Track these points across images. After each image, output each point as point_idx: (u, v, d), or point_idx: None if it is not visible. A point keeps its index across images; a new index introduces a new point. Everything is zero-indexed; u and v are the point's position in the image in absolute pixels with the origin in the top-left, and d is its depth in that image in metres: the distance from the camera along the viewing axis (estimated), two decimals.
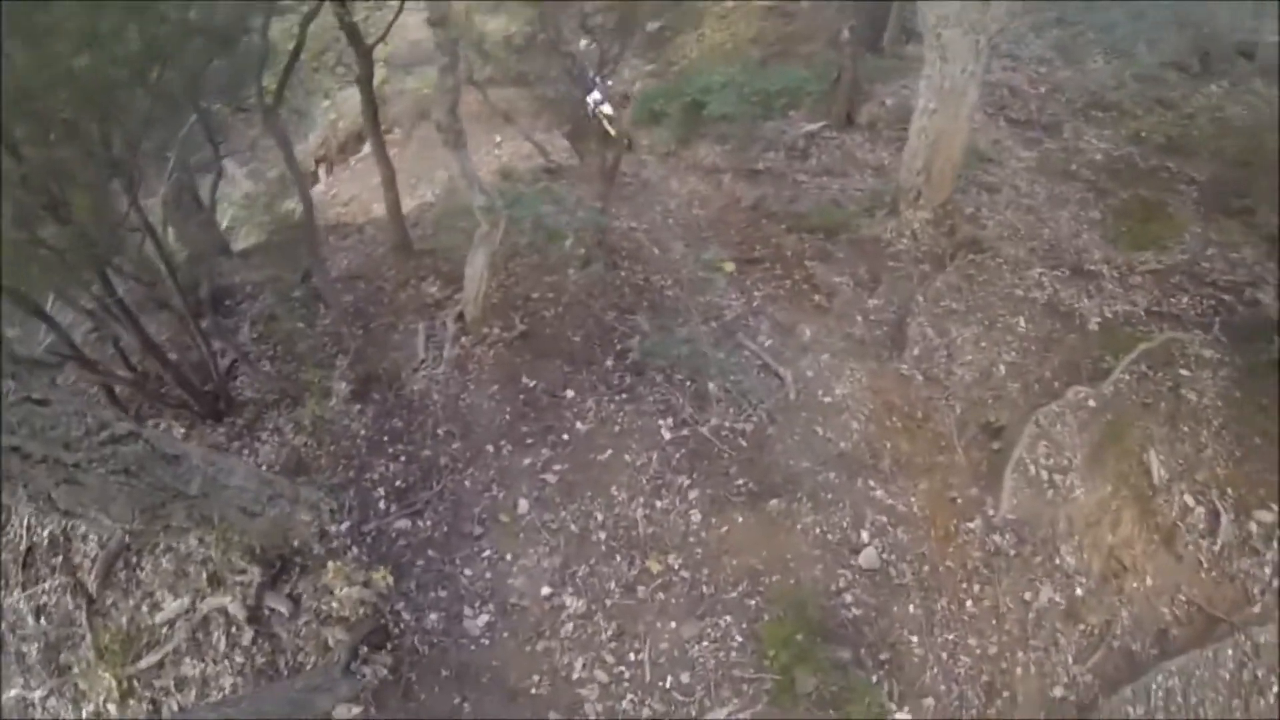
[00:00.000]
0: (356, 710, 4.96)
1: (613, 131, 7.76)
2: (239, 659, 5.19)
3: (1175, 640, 5.13)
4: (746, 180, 7.97)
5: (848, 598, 5.01)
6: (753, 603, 4.98)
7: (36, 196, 4.92)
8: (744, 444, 5.62)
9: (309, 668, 5.27)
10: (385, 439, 6.02)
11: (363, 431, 6.05)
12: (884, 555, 5.18)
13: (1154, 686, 4.91)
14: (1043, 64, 9.63)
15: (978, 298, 6.58)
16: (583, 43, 7.97)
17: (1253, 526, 5.44)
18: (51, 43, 4.45)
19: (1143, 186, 7.57)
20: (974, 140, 7.67)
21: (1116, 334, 6.30)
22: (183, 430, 6.04)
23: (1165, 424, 5.78)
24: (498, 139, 9.36)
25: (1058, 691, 4.92)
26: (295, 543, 5.34)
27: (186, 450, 5.24)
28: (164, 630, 5.67)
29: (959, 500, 5.50)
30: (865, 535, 5.24)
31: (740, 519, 5.29)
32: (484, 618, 5.11)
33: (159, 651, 5.55)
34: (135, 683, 5.29)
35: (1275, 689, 4.93)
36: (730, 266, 6.90)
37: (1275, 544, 5.36)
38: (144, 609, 5.54)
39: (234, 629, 5.32)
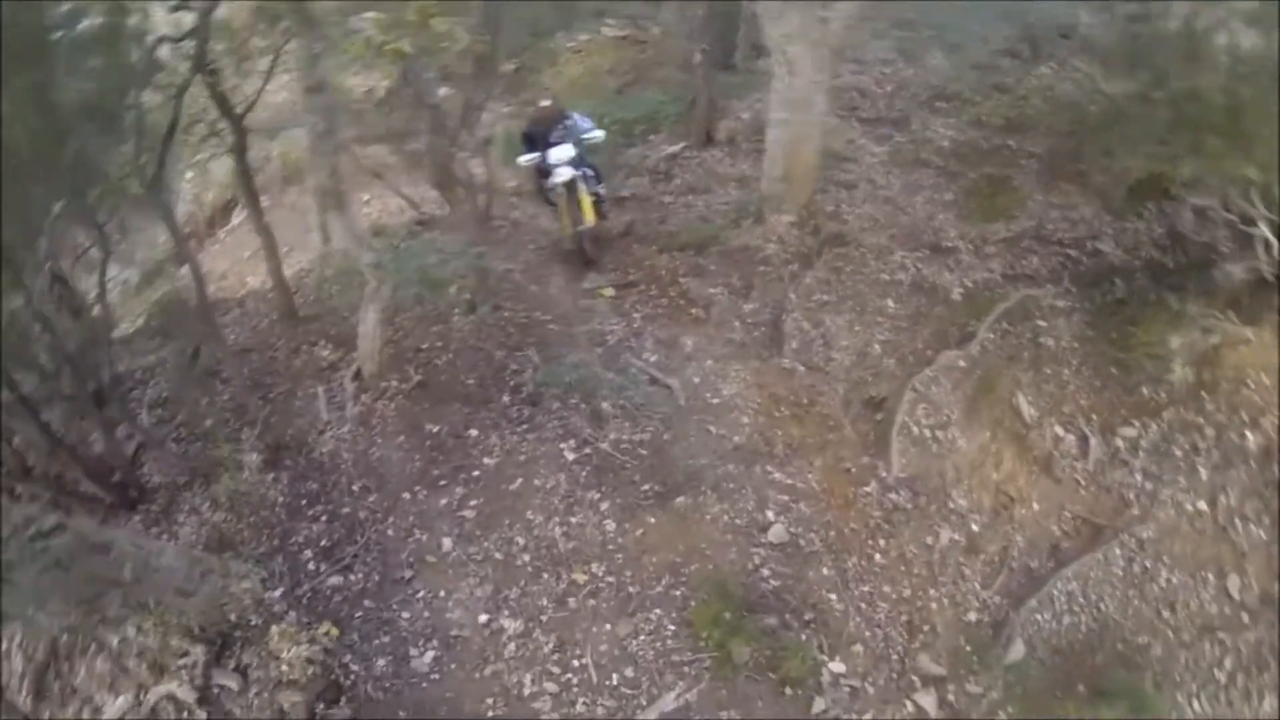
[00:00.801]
0: None
1: (588, 218, 8.20)
2: None
3: (1067, 551, 6.06)
4: (614, 207, 8.74)
5: (764, 572, 5.71)
6: (678, 593, 5.64)
7: None
8: (644, 452, 6.32)
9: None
10: (303, 503, 6.51)
11: (280, 499, 6.53)
12: (791, 529, 5.91)
13: (1055, 593, 5.80)
14: (887, 65, 10.76)
15: (847, 287, 7.45)
16: (442, 91, 8.63)
17: (1119, 443, 6.44)
18: None
19: (988, 165, 8.63)
20: (828, 143, 8.63)
21: (978, 300, 7.25)
22: (98, 524, 6.34)
23: (1030, 370, 6.74)
24: (366, 197, 9.90)
25: (971, 616, 5.75)
26: (233, 616, 5.68)
27: (114, 536, 5.58)
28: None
29: (853, 470, 6.30)
30: (770, 514, 5.98)
31: (652, 520, 5.97)
32: (430, 654, 5.61)
33: None
34: None
35: (1164, 577, 5.89)
36: (609, 291, 7.61)
37: (1140, 452, 6.34)
38: (85, 715, 5.83)
39: (185, 714, 5.61)
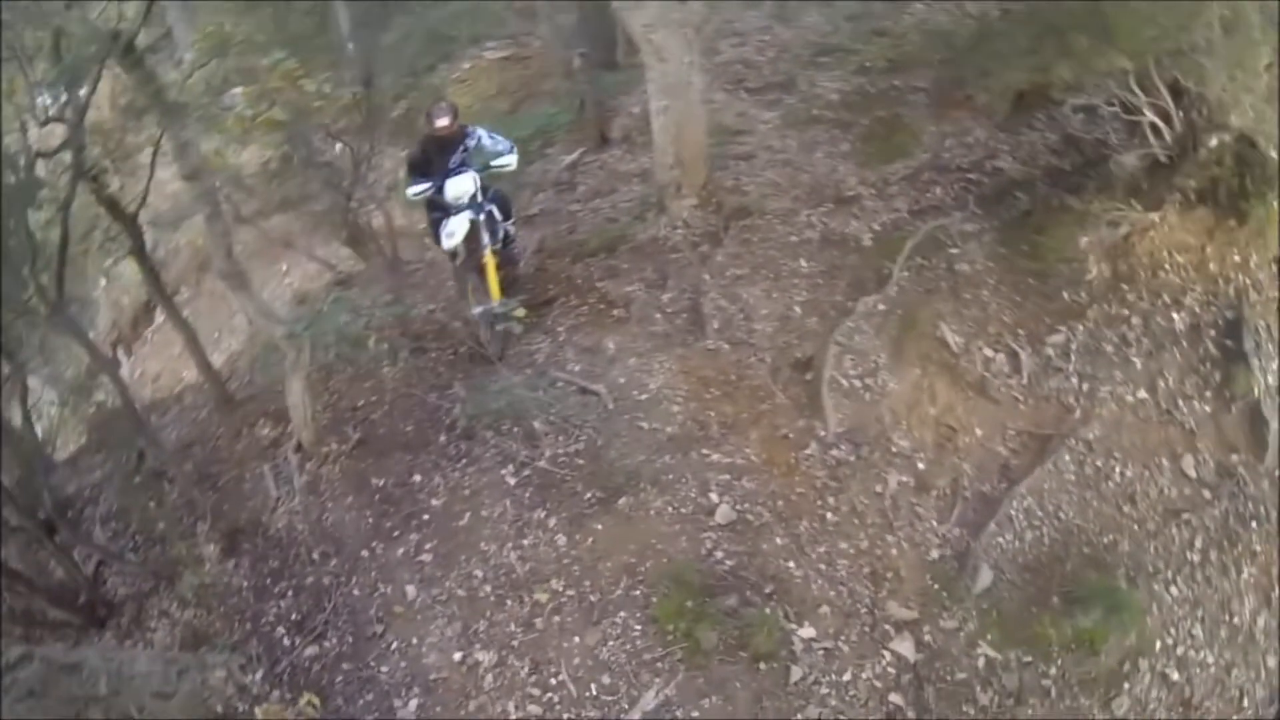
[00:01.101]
0: None
1: (494, 294, 7.28)
2: None
3: (1017, 469, 6.12)
4: (524, 227, 8.71)
5: (718, 554, 5.73)
6: (638, 592, 5.66)
7: None
8: (581, 462, 6.32)
9: None
10: (268, 581, 6.53)
11: (245, 584, 6.54)
12: (737, 507, 5.93)
13: (1013, 513, 5.87)
14: (765, 32, 10.73)
15: (758, 257, 7.46)
16: (337, 148, 8.26)
17: (1049, 352, 6.49)
18: None
19: (878, 109, 8.65)
20: (719, 118, 8.68)
21: (889, 242, 7.28)
22: (70, 647, 6.34)
23: (949, 299, 6.78)
24: (284, 267, 9.89)
25: (934, 554, 5.79)
26: (219, 708, 5.64)
27: (84, 655, 5.57)
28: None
29: (790, 435, 6.32)
30: (714, 497, 5.99)
31: (599, 526, 5.97)
32: (414, 702, 5.63)
33: None
34: None
35: (1118, 472, 5.94)
36: (521, 312, 7.43)
37: (1071, 356, 6.38)
38: None
39: None
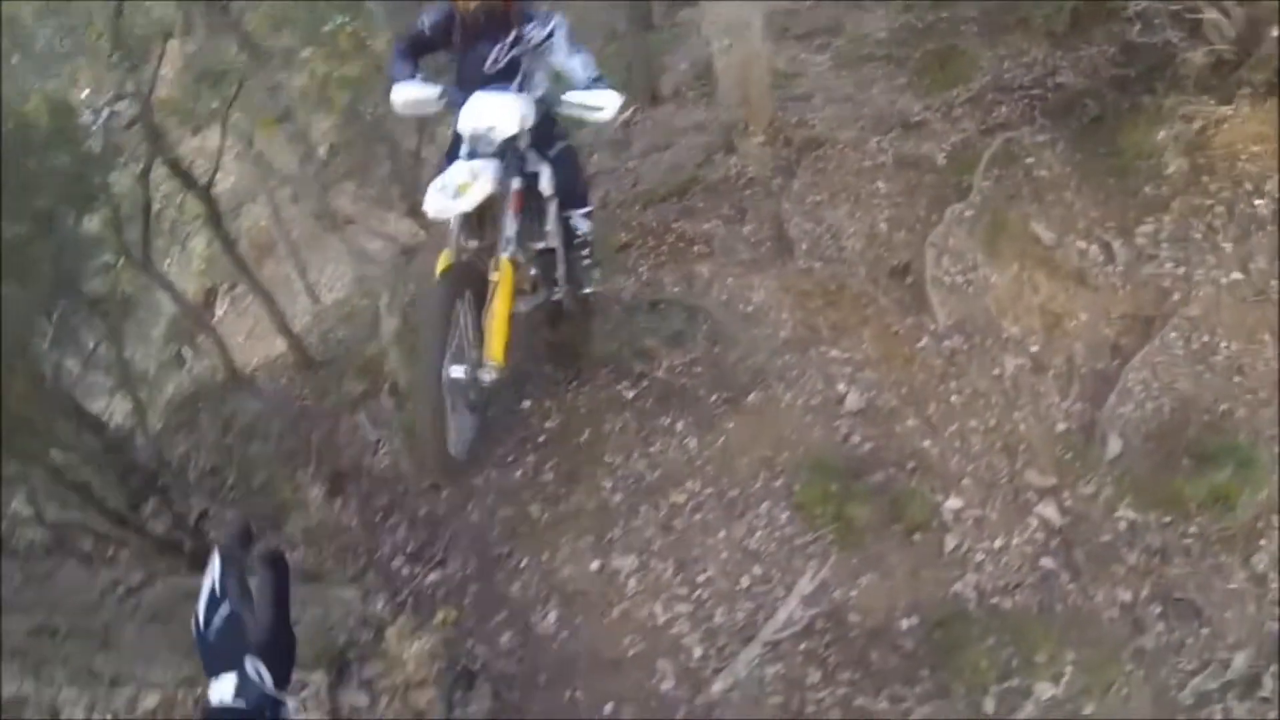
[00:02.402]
0: None
1: (494, 354, 4.88)
2: None
3: (1127, 347, 6.13)
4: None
5: (854, 439, 5.72)
6: (778, 483, 5.62)
7: None
8: (700, 370, 6.29)
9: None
10: (378, 518, 6.42)
11: (354, 521, 6.42)
12: (865, 394, 5.92)
13: (1129, 384, 5.86)
14: None
15: (835, 183, 7.53)
16: None
17: (1140, 241, 6.54)
18: None
19: (929, 43, 8.78)
20: (772, 64, 8.71)
21: (962, 159, 7.36)
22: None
23: (1034, 202, 6.85)
24: (341, 250, 9.82)
25: (1060, 427, 5.79)
26: (341, 639, 5.57)
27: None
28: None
29: (901, 332, 6.35)
30: (841, 387, 5.99)
31: (730, 425, 5.93)
32: (552, 614, 5.51)
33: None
34: None
35: (1223, 347, 5.94)
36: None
37: (1162, 244, 6.45)
38: None
39: None
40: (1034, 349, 6.12)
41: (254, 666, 1.80)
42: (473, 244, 4.90)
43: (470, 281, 4.86)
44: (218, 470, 7.18)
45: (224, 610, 1.87)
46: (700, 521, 5.59)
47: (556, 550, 5.72)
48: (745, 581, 5.30)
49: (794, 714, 4.86)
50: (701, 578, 5.39)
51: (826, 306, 6.58)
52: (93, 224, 6.66)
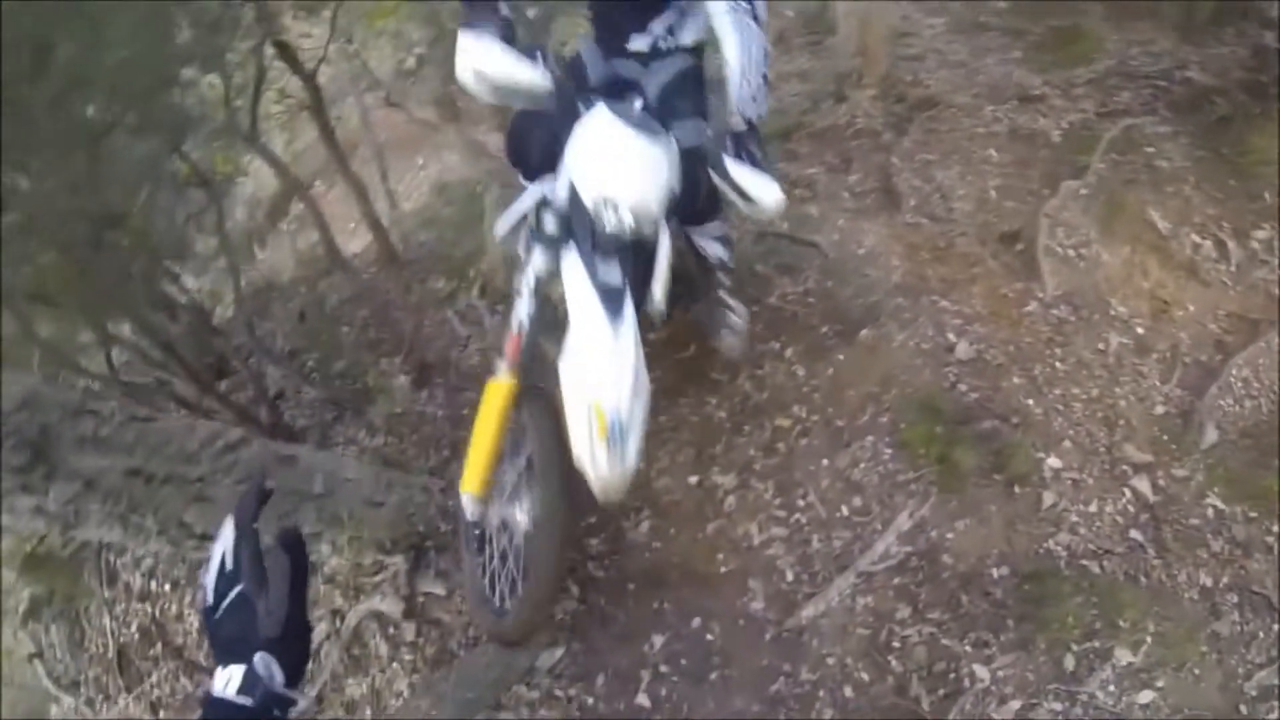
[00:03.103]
0: (560, 651, 5.40)
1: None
2: (408, 658, 5.62)
3: (1231, 344, 6.36)
4: None
5: (962, 387, 5.95)
6: (885, 419, 5.84)
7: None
8: (813, 301, 6.52)
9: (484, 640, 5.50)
10: (464, 412, 6.60)
11: (440, 413, 6.69)
12: (974, 347, 6.15)
13: (1231, 380, 6.12)
14: None
15: (947, 144, 7.76)
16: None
17: (1254, 245, 6.78)
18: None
19: (1051, 19, 8.92)
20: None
21: (1079, 138, 7.55)
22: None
23: (1151, 190, 7.07)
24: (420, 161, 10.04)
25: (1159, 409, 6.04)
26: (421, 526, 5.79)
27: (299, 450, 5.67)
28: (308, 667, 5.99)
29: (1010, 295, 6.57)
30: (952, 336, 6.21)
31: (840, 357, 6.18)
32: (645, 524, 5.77)
33: (314, 687, 5.89)
34: None
35: None
36: None
37: (1276, 252, 6.73)
38: None
39: (392, 629, 5.73)
40: (1140, 331, 6.37)
41: (265, 663, 1.72)
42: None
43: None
44: (299, 352, 7.41)
45: (237, 590, 1.79)
46: (805, 447, 5.84)
47: (654, 460, 5.95)
48: (844, 511, 5.56)
49: (880, 646, 5.13)
50: (801, 503, 5.65)
51: (935, 261, 6.82)
52: (202, 92, 6.83)
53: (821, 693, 5.08)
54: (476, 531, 4.46)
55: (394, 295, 7.68)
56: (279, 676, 1.70)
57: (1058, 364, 6.20)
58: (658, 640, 5.40)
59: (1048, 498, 5.55)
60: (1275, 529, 5.75)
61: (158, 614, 6.59)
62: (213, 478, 4.81)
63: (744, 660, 5.28)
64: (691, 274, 5.21)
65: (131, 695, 6.43)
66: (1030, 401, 5.97)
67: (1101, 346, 6.33)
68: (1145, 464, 5.82)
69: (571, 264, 3.66)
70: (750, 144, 3.93)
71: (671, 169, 3.71)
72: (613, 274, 3.60)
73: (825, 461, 5.78)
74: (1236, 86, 7.63)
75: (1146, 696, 5.06)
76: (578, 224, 3.61)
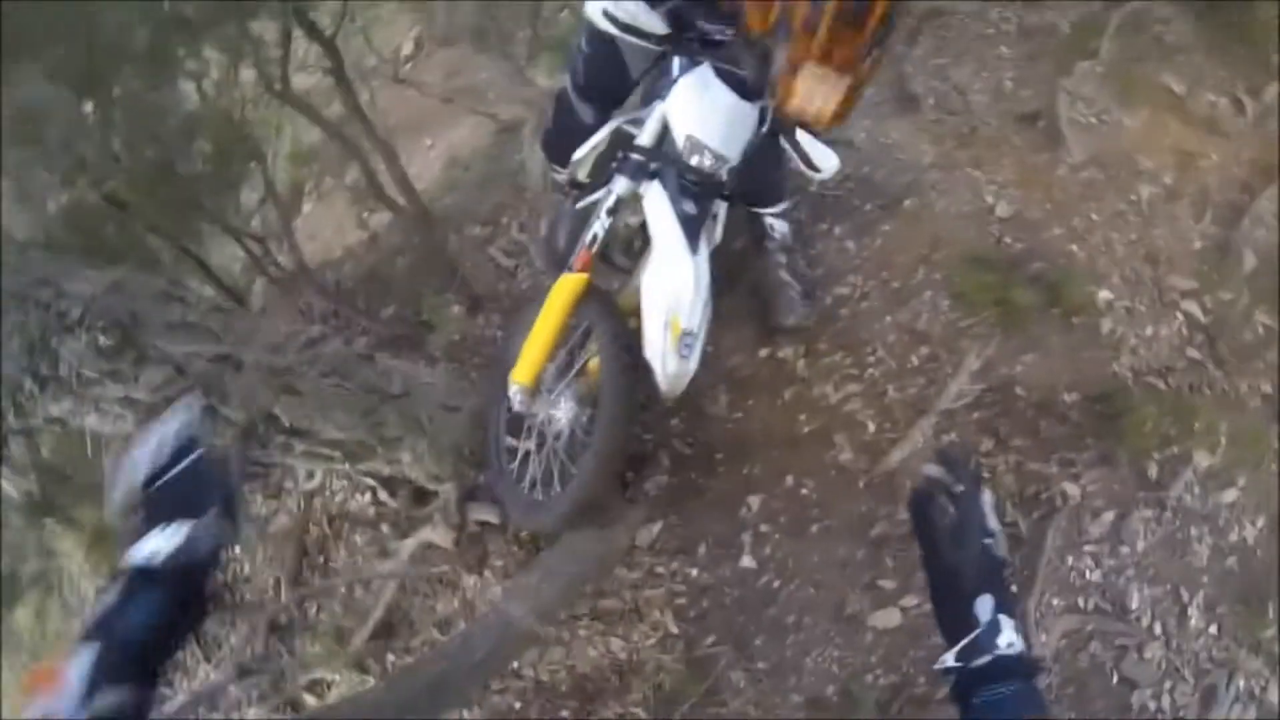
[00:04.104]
0: (657, 526, 5.78)
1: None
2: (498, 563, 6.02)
3: (1257, 185, 6.96)
4: None
5: (1007, 240, 6.48)
6: (938, 276, 6.33)
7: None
8: (851, 184, 7.03)
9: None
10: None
11: (499, 334, 7.13)
12: (1012, 206, 6.69)
13: (1263, 213, 6.76)
14: None
15: (958, 47, 8.34)
16: None
17: (1267, 100, 7.42)
18: None
19: None
20: None
21: (1088, 27, 8.08)
22: None
23: (1164, 62, 7.64)
24: (429, 142, 10.63)
25: (1196, 245, 6.62)
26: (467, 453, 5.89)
27: (375, 352, 6.07)
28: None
29: (1039, 163, 7.09)
30: (990, 199, 6.74)
31: (886, 228, 6.68)
32: (723, 398, 6.19)
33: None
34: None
35: None
36: None
37: None
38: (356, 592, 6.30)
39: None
40: (1168, 181, 6.90)
41: (215, 518, 1.91)
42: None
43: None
44: (338, 287, 7.93)
45: (196, 454, 1.97)
46: (865, 309, 6.30)
47: (719, 340, 6.32)
48: (914, 360, 6.03)
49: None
50: (871, 359, 6.11)
51: (961, 147, 7.30)
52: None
53: None
54: (519, 424, 4.82)
55: (437, 240, 8.15)
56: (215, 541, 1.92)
57: (1094, 215, 6.75)
58: (754, 502, 5.84)
59: (1105, 325, 6.10)
60: None
61: (235, 574, 6.99)
62: (299, 370, 4.99)
63: (841, 509, 5.72)
64: (749, 255, 6.01)
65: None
66: (1074, 247, 6.50)
67: (1134, 198, 6.89)
68: (1192, 290, 6.39)
69: (656, 194, 4.30)
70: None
71: (754, 129, 4.44)
72: (691, 206, 4.26)
73: (888, 319, 6.26)
74: None
75: (1230, 495, 5.59)
76: (666, 159, 4.29)
